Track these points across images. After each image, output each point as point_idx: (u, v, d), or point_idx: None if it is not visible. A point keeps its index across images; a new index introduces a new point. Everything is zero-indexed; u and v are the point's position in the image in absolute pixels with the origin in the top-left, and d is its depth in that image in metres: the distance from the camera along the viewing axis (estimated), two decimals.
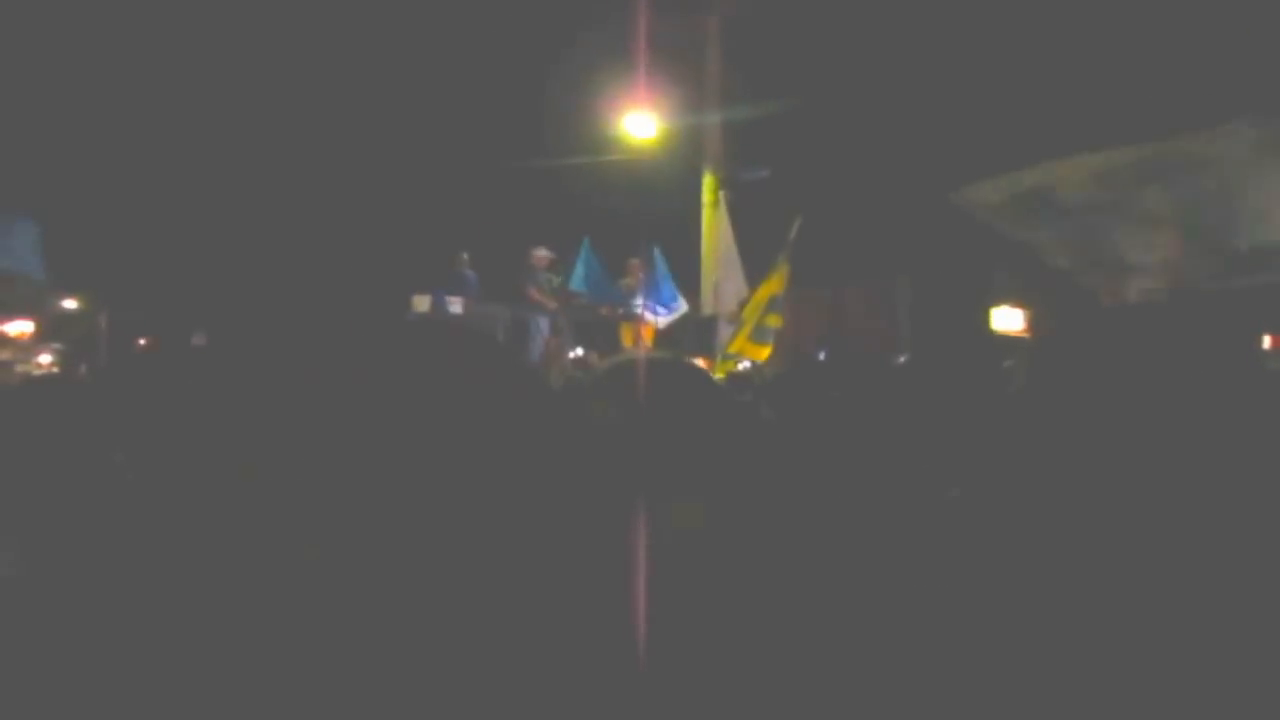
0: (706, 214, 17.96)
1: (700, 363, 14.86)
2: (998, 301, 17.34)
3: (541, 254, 17.25)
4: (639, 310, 16.42)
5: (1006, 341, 16.52)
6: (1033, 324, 17.06)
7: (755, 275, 15.26)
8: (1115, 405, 2.09)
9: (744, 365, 13.16)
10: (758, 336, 12.99)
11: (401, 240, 19.70)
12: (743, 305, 14.98)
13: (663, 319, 16.59)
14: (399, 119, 20.16)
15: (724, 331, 15.34)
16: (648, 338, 16.55)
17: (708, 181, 18.12)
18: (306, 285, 18.83)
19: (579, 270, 16.88)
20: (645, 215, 18.00)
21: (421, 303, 16.83)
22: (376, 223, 19.99)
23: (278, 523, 1.96)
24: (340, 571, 1.88)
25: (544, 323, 17.16)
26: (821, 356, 12.25)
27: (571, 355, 17.22)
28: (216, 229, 20.48)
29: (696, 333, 16.74)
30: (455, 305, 16.96)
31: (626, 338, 17.15)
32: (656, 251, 16.29)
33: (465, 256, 17.67)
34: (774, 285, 13.00)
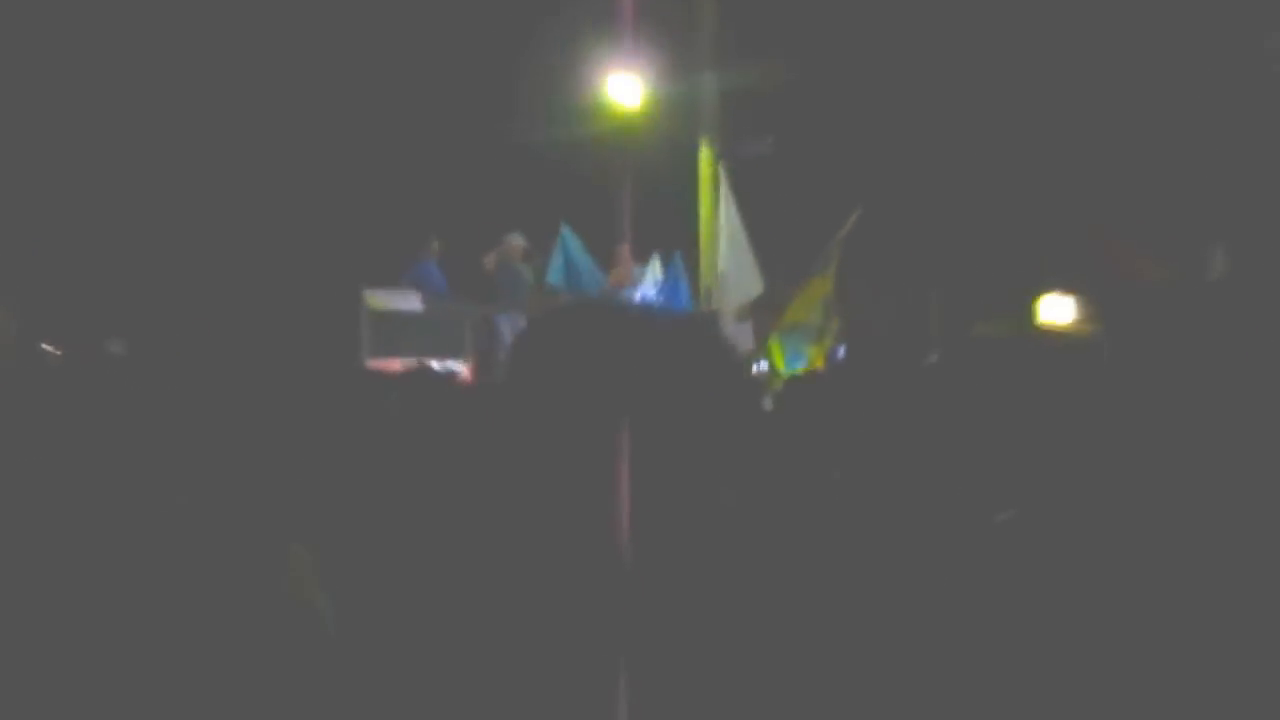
0: (703, 193, 15.95)
1: None
2: (1045, 289, 15.49)
3: (515, 243, 15.34)
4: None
5: (1055, 338, 14.71)
6: (1088, 314, 15.25)
7: (769, 266, 13.99)
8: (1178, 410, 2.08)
9: (759, 367, 12.29)
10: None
11: (350, 225, 17.32)
12: (754, 302, 13.70)
13: None
14: (344, 86, 17.70)
15: (734, 332, 13.36)
16: None
17: (704, 155, 16.10)
18: (242, 280, 16.42)
19: (556, 261, 14.87)
20: (632, 195, 16.09)
21: (376, 300, 15.11)
22: (321, 206, 17.50)
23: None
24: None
25: (520, 323, 15.13)
26: (840, 355, 11.82)
27: None
28: (136, 217, 17.80)
29: None
30: (413, 302, 15.11)
31: None
32: (679, 256, 14.58)
33: (435, 245, 15.69)
34: (826, 285, 12.17)
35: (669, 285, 14.46)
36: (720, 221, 14.54)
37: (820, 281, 12.29)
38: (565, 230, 14.79)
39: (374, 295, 15.02)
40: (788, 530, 2.31)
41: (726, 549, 1.95)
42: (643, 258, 15.30)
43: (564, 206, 15.26)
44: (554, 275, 14.90)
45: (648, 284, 14.86)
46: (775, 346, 12.37)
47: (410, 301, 15.22)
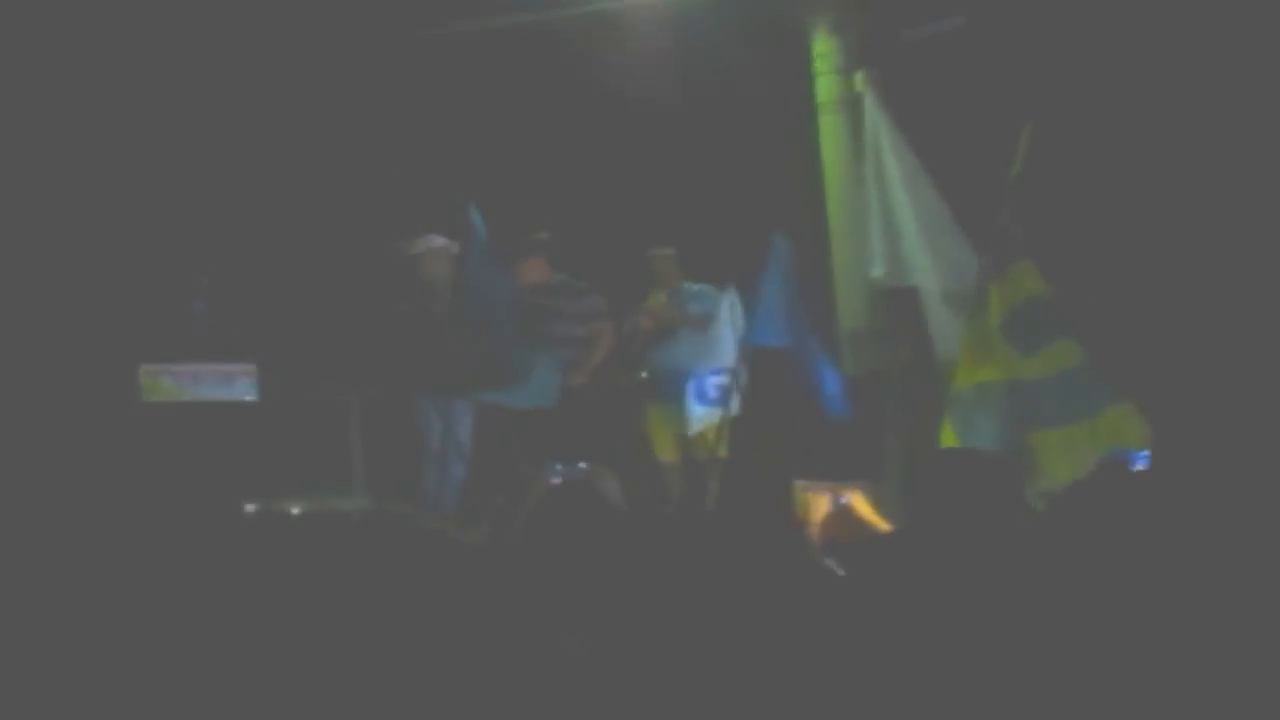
0: (826, 128, 8.70)
1: (857, 502, 7.14)
2: None
3: (431, 243, 8.55)
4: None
5: None
6: None
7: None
8: None
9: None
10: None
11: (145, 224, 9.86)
12: None
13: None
14: None
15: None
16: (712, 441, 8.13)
17: (820, 52, 8.71)
18: None
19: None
20: (677, 141, 9.33)
21: (161, 383, 8.71)
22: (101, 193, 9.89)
23: None
24: None
25: (460, 412, 8.43)
26: (1140, 462, 6.90)
27: (554, 477, 8.68)
28: None
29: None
30: (239, 385, 8.61)
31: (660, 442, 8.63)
32: (779, 241, 7.91)
33: (205, 282, 9.17)
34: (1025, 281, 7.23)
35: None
36: (876, 179, 7.93)
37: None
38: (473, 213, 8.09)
39: (153, 374, 8.53)
40: None
41: None
42: (700, 271, 8.45)
43: (542, 162, 8.88)
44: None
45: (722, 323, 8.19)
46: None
47: (234, 384, 8.49)
